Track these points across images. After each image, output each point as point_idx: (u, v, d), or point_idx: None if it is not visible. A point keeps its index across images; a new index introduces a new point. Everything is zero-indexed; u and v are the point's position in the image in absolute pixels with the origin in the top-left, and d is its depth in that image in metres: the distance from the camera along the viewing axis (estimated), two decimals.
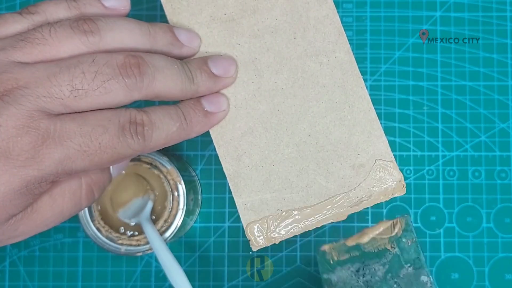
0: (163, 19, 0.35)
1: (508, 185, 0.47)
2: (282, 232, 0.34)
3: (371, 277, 0.34)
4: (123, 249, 0.42)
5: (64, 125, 0.28)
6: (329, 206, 0.34)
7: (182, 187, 0.42)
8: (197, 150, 0.48)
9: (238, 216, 0.34)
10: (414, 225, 0.47)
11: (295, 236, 0.35)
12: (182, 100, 0.33)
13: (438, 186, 0.47)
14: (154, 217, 0.43)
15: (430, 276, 0.34)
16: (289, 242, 0.47)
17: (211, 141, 0.35)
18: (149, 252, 0.42)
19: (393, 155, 0.35)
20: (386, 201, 0.35)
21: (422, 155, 0.47)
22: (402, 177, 0.35)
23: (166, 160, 0.42)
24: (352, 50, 0.35)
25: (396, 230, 0.34)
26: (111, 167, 0.33)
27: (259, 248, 0.35)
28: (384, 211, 0.47)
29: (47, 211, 0.30)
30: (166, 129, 0.31)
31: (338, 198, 0.34)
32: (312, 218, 0.34)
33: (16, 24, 0.30)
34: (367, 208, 0.36)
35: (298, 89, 0.35)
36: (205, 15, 0.35)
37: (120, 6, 0.32)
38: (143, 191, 0.43)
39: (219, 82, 0.33)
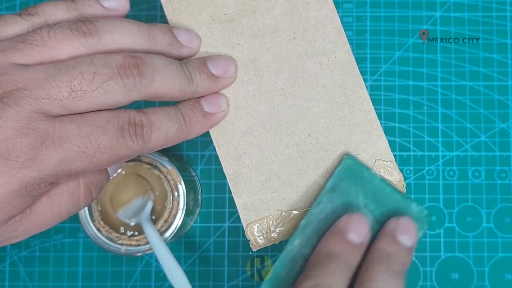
0: (163, 19, 0.35)
1: (508, 185, 0.47)
2: (282, 232, 0.34)
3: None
4: (123, 249, 0.42)
5: (63, 127, 0.28)
6: None
7: (182, 187, 0.42)
8: (197, 150, 0.48)
9: (238, 216, 0.34)
10: None
11: None
12: (181, 101, 0.33)
13: (438, 186, 0.47)
14: (154, 217, 0.43)
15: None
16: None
17: (211, 141, 0.35)
18: (149, 252, 0.42)
19: (393, 155, 0.35)
20: None
21: (422, 155, 0.47)
22: (402, 177, 0.35)
23: (166, 160, 0.42)
24: (352, 50, 0.35)
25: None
26: None
27: (259, 248, 0.35)
28: None
29: (46, 212, 0.30)
30: (165, 130, 0.31)
31: None
32: None
33: (15, 26, 0.30)
34: None
35: (298, 89, 0.35)
36: (205, 15, 0.35)
37: (119, 7, 0.33)
38: (143, 191, 0.43)
39: (218, 83, 0.33)
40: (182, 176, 0.42)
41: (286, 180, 0.34)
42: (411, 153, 0.47)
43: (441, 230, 0.46)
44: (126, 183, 0.43)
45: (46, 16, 0.31)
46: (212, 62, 0.33)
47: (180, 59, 0.34)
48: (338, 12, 0.35)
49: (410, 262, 0.31)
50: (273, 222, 0.34)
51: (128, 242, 0.42)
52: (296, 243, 0.32)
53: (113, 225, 0.42)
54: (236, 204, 0.34)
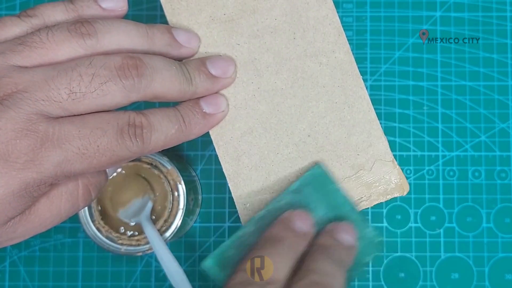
0: (163, 19, 0.35)
1: (508, 185, 0.47)
2: None
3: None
4: (123, 249, 0.42)
5: (63, 128, 0.28)
6: None
7: (182, 187, 0.42)
8: (197, 150, 0.48)
9: (238, 216, 0.34)
10: (414, 225, 0.47)
11: None
12: (181, 102, 0.33)
13: (438, 186, 0.47)
14: (154, 217, 0.43)
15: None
16: None
17: (211, 141, 0.35)
18: (149, 252, 0.42)
19: (393, 155, 0.35)
20: (386, 201, 0.35)
21: (422, 155, 0.47)
22: (404, 177, 0.35)
23: (166, 160, 0.42)
24: (352, 50, 0.35)
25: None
26: None
27: None
28: (384, 211, 0.47)
29: (45, 213, 0.30)
30: (165, 131, 0.31)
31: None
32: None
33: (15, 28, 0.31)
34: (367, 208, 0.36)
35: (298, 89, 0.35)
36: (205, 15, 0.35)
37: (117, 7, 0.33)
38: (143, 191, 0.43)
39: (217, 83, 0.33)
40: (182, 176, 0.42)
41: (286, 180, 0.34)
42: (411, 153, 0.47)
43: (441, 230, 0.46)
44: (126, 183, 0.43)
45: (44, 17, 0.31)
46: (211, 62, 0.33)
47: (179, 59, 0.34)
48: (338, 12, 0.35)
49: (351, 261, 0.33)
50: None
51: (128, 242, 0.42)
52: (247, 230, 0.33)
53: (113, 225, 0.42)
54: (236, 204, 0.34)
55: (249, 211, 0.34)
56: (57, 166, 0.28)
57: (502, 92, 0.47)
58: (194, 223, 0.47)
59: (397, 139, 0.47)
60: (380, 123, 0.35)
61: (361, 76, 0.35)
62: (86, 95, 0.28)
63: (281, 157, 0.35)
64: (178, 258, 0.40)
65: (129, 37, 0.31)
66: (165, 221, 0.42)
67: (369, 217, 0.47)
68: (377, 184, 0.35)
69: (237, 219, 0.46)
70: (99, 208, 0.43)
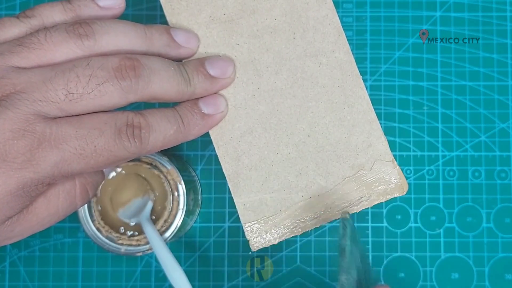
0: (163, 19, 0.35)
1: (508, 185, 0.47)
2: (282, 232, 0.34)
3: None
4: (123, 249, 0.42)
5: (60, 128, 0.28)
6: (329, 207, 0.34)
7: (182, 187, 0.42)
8: (197, 150, 0.48)
9: (238, 216, 0.34)
10: (414, 225, 0.47)
11: (295, 236, 0.35)
12: (180, 102, 0.33)
13: (438, 186, 0.47)
14: (154, 217, 0.43)
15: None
16: (289, 242, 0.47)
17: (211, 141, 0.35)
18: (149, 252, 0.42)
19: (393, 155, 0.35)
20: (386, 201, 0.35)
21: (422, 155, 0.47)
22: (404, 178, 0.35)
23: (166, 160, 0.42)
24: (352, 50, 0.35)
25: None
26: None
27: (258, 248, 0.35)
28: (384, 211, 0.47)
29: (43, 212, 0.30)
30: (163, 132, 0.31)
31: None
32: (311, 218, 0.34)
33: (13, 28, 0.31)
34: (367, 208, 0.36)
35: (298, 90, 0.35)
36: (204, 15, 0.35)
37: (115, 5, 0.33)
38: (143, 191, 0.43)
39: (216, 83, 0.33)
40: (182, 176, 0.42)
41: (286, 181, 0.34)
42: (411, 153, 0.47)
43: (441, 230, 0.46)
44: (126, 183, 0.43)
45: (43, 18, 0.31)
46: (210, 63, 0.33)
47: (178, 60, 0.34)
48: (338, 12, 0.35)
49: None
50: (272, 222, 0.34)
51: (128, 242, 0.42)
52: None
53: (113, 225, 0.43)
54: (236, 204, 0.34)
55: (249, 211, 0.34)
56: (54, 166, 0.28)
57: (502, 92, 0.47)
58: (194, 223, 0.47)
59: (397, 139, 0.47)
60: (380, 123, 0.35)
61: (361, 76, 0.35)
62: (83, 96, 0.28)
63: (281, 157, 0.34)
64: (178, 258, 0.40)
65: (127, 38, 0.31)
66: (165, 221, 0.42)
67: (369, 217, 0.47)
68: (377, 184, 0.35)
69: (237, 219, 0.46)
70: (99, 208, 0.43)
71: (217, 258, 0.47)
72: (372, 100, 0.35)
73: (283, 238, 0.35)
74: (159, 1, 0.35)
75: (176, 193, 0.42)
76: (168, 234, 0.42)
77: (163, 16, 0.35)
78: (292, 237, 0.34)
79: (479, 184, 0.47)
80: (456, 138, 0.47)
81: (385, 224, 0.47)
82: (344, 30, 0.35)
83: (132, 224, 0.43)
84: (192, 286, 0.39)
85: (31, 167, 0.27)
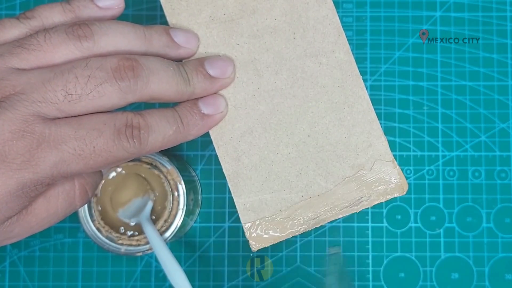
0: (163, 19, 0.35)
1: (508, 185, 0.47)
2: (282, 232, 0.34)
3: None
4: (123, 249, 0.42)
5: (59, 129, 0.28)
6: (329, 207, 0.34)
7: (182, 187, 0.42)
8: (197, 150, 0.48)
9: (238, 216, 0.34)
10: (414, 225, 0.47)
11: (295, 236, 0.35)
12: (179, 103, 0.33)
13: (438, 186, 0.47)
14: (154, 217, 0.43)
15: None
16: (289, 242, 0.47)
17: (211, 141, 0.35)
18: (149, 252, 0.42)
19: (393, 155, 0.35)
20: (386, 201, 0.35)
21: (422, 155, 0.47)
22: (404, 178, 0.35)
23: (166, 160, 0.42)
24: (352, 50, 0.35)
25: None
26: None
27: (258, 248, 0.35)
28: (384, 211, 0.47)
29: (42, 213, 0.30)
30: (162, 132, 0.31)
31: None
32: (311, 218, 0.34)
33: (13, 29, 0.31)
34: (367, 208, 0.36)
35: (298, 90, 0.35)
36: (205, 15, 0.35)
37: (114, 5, 0.33)
38: (143, 191, 0.43)
39: (215, 83, 0.33)
40: (182, 176, 0.42)
41: (286, 180, 0.34)
42: (411, 153, 0.47)
43: (441, 230, 0.46)
44: (126, 183, 0.43)
45: (43, 19, 0.31)
46: (209, 63, 0.33)
47: (178, 60, 0.34)
48: (338, 12, 0.35)
49: None
50: (273, 222, 0.34)
51: (128, 242, 0.42)
52: None
53: (113, 225, 0.43)
54: (236, 204, 0.34)
55: (249, 211, 0.34)
56: (53, 166, 0.28)
57: (502, 92, 0.47)
58: (194, 223, 0.47)
59: (397, 139, 0.47)
60: (380, 123, 0.35)
61: (361, 76, 0.35)
62: (82, 97, 0.29)
63: (281, 157, 0.34)
64: (178, 258, 0.40)
65: (126, 39, 0.31)
66: (165, 221, 0.42)
67: (369, 217, 0.47)
68: (377, 184, 0.35)
69: (237, 219, 0.46)
70: (99, 208, 0.43)
71: (217, 258, 0.47)
72: (372, 100, 0.35)
73: (283, 238, 0.35)
74: (159, 1, 0.35)
75: (176, 193, 0.42)
76: (168, 234, 0.42)
77: (163, 16, 0.35)
78: (292, 237, 0.34)
79: (479, 184, 0.47)
80: (456, 138, 0.47)
81: (385, 224, 0.47)
82: (344, 30, 0.35)
83: (132, 224, 0.43)
84: (192, 286, 0.39)
85: (30, 168, 0.27)
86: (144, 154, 0.31)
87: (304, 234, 0.46)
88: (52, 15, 0.32)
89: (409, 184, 0.47)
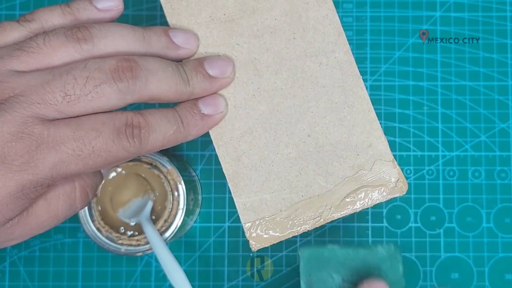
0: (163, 19, 0.35)
1: (508, 185, 0.47)
2: (282, 232, 0.34)
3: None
4: (123, 249, 0.42)
5: (58, 130, 0.28)
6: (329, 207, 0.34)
7: (182, 187, 0.42)
8: (197, 150, 0.48)
9: (238, 216, 0.34)
10: (414, 225, 0.47)
11: (295, 236, 0.35)
12: (179, 103, 0.33)
13: (438, 186, 0.47)
14: (154, 217, 0.43)
15: None
16: (289, 242, 0.47)
17: (211, 141, 0.35)
18: (149, 252, 0.42)
19: (393, 155, 0.35)
20: (386, 201, 0.35)
21: (422, 155, 0.47)
22: (404, 178, 0.35)
23: (166, 160, 0.42)
24: (352, 50, 0.35)
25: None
26: None
27: (258, 248, 0.35)
28: (384, 211, 0.47)
29: (43, 215, 0.30)
30: (163, 132, 0.31)
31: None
32: (311, 218, 0.34)
33: (14, 32, 0.31)
34: (367, 208, 0.36)
35: (298, 90, 0.35)
36: (205, 15, 0.35)
37: (113, 7, 0.33)
38: (143, 191, 0.43)
39: (215, 83, 0.33)
40: (182, 176, 0.42)
41: (286, 180, 0.34)
42: (411, 153, 0.47)
43: (441, 230, 0.46)
44: (126, 183, 0.43)
45: (42, 22, 0.32)
46: (209, 63, 0.33)
47: (178, 60, 0.34)
48: (338, 12, 0.35)
49: None
50: (273, 222, 0.34)
51: (128, 242, 0.42)
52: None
53: (113, 225, 0.43)
54: (236, 204, 0.34)
55: (249, 211, 0.34)
56: (53, 167, 0.28)
57: (502, 92, 0.47)
58: (194, 223, 0.47)
59: (397, 139, 0.47)
60: (380, 123, 0.35)
61: (361, 76, 0.35)
62: (81, 98, 0.29)
63: (281, 157, 0.35)
64: (178, 258, 0.40)
65: (126, 41, 0.31)
66: (165, 221, 0.42)
67: (369, 217, 0.47)
68: (377, 184, 0.35)
69: (237, 219, 0.46)
70: (99, 208, 0.43)
71: (217, 258, 0.47)
72: (372, 100, 0.35)
73: (283, 238, 0.35)
74: (159, 1, 0.35)
75: (176, 193, 0.42)
76: (168, 234, 0.42)
77: (163, 16, 0.35)
78: (292, 237, 0.34)
79: (479, 184, 0.47)
80: (456, 138, 0.47)
81: (385, 224, 0.47)
82: (344, 30, 0.35)
83: (132, 224, 0.43)
84: (192, 286, 0.39)
85: (29, 169, 0.27)
86: (143, 154, 0.31)
87: (304, 234, 0.46)
88: (52, 18, 0.32)
89: (409, 184, 0.47)
